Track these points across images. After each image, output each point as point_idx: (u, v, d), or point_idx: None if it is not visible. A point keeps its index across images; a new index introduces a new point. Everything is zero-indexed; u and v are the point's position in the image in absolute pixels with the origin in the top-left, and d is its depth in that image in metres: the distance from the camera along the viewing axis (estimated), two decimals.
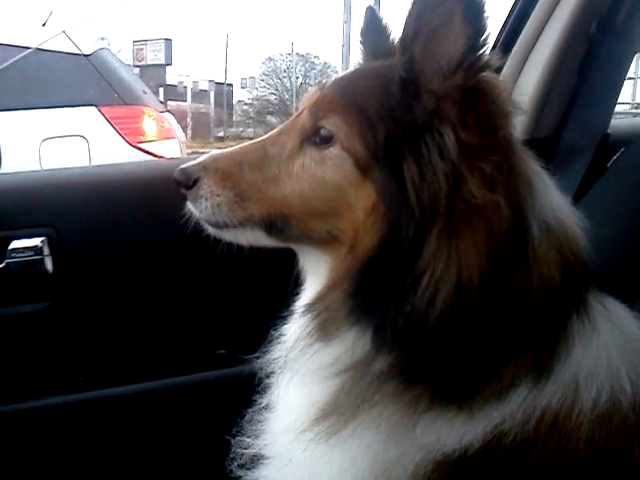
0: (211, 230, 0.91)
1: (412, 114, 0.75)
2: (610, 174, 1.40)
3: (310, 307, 0.81)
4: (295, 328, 0.84)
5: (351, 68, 0.91)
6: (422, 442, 0.72)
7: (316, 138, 0.82)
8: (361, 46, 0.98)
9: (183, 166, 0.88)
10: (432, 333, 0.71)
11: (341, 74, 0.90)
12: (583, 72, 1.48)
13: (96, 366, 1.35)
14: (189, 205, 0.89)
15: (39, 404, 1.31)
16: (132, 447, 1.34)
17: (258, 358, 1.44)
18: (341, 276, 0.79)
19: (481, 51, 0.72)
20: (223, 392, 1.36)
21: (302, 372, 0.80)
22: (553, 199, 0.80)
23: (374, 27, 0.97)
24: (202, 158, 0.88)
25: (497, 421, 0.70)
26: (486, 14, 0.71)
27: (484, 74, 0.73)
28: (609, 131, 1.52)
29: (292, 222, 0.83)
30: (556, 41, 1.46)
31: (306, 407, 0.79)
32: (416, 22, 0.74)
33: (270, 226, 0.85)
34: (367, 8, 0.99)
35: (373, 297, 0.75)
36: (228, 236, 0.90)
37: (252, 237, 0.88)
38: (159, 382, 1.35)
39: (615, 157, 1.43)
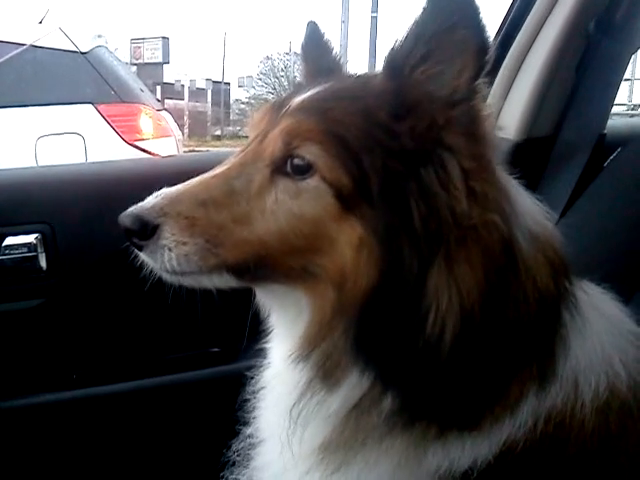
0: (168, 277, 0.80)
1: (401, 142, 0.71)
2: (606, 174, 1.40)
3: (306, 355, 0.75)
4: (282, 360, 0.80)
5: (316, 88, 0.81)
6: (434, 466, 0.70)
7: (288, 168, 0.74)
8: (302, 61, 0.94)
9: (135, 212, 0.78)
10: (441, 366, 0.68)
11: (305, 94, 0.80)
12: (581, 71, 1.47)
13: (89, 364, 1.35)
14: (144, 256, 0.79)
15: (32, 401, 1.30)
16: (126, 445, 1.34)
17: (252, 355, 1.44)
18: (332, 317, 0.73)
19: (481, 79, 0.70)
20: (217, 390, 1.35)
21: (306, 420, 0.75)
22: (528, 204, 0.78)
23: (316, 42, 0.93)
24: (157, 200, 0.78)
25: (508, 433, 0.70)
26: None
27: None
28: (606, 131, 1.51)
29: (267, 262, 0.76)
30: (554, 40, 1.46)
31: (307, 444, 0.75)
32: (418, 47, 0.71)
33: (242, 269, 0.76)
34: (309, 23, 0.94)
35: (379, 338, 0.71)
36: (189, 282, 0.81)
37: (219, 281, 0.80)
38: (153, 380, 1.35)
39: (612, 157, 1.43)
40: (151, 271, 0.80)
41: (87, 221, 1.33)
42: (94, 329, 1.35)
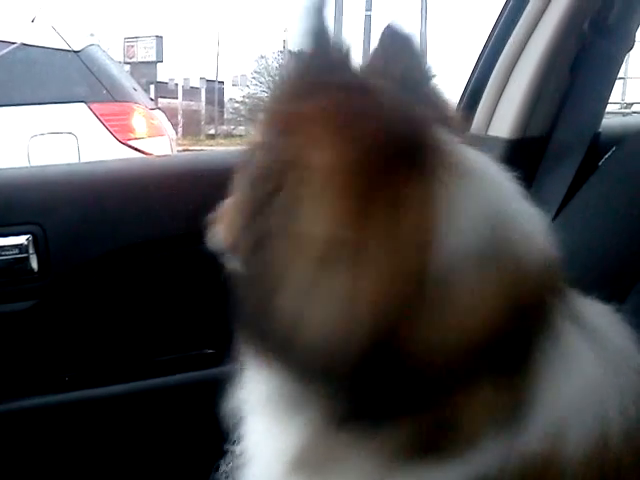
0: None
1: None
2: (601, 173, 1.39)
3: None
4: None
5: None
6: None
7: None
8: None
9: None
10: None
11: None
12: (575, 71, 1.47)
13: (82, 366, 1.34)
14: None
15: (23, 405, 1.29)
16: (119, 449, 1.33)
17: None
18: None
19: None
20: (212, 392, 1.34)
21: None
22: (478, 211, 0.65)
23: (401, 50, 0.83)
24: None
25: (475, 469, 0.62)
26: None
27: None
28: (600, 130, 1.51)
29: None
30: (548, 40, 1.45)
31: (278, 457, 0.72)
32: None
33: None
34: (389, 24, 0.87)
35: None
36: None
37: None
38: (146, 382, 1.34)
39: (606, 156, 1.43)
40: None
41: (79, 222, 1.32)
42: (87, 331, 1.34)
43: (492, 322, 0.60)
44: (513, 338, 0.61)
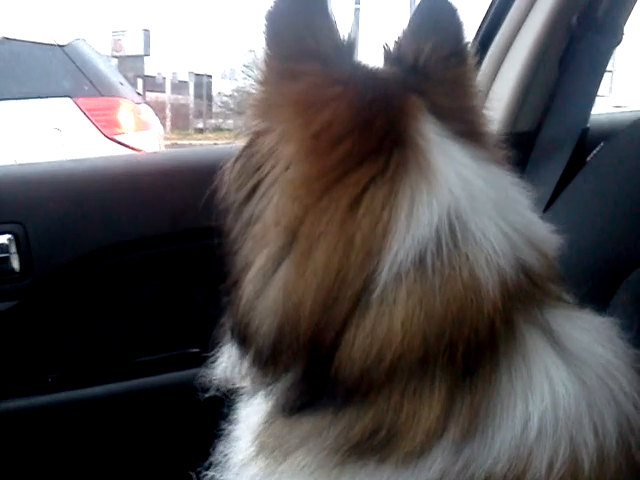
0: None
1: None
2: (589, 169, 1.39)
3: None
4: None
5: None
6: None
7: None
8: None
9: None
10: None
11: None
12: (564, 66, 1.46)
13: (65, 367, 1.31)
14: None
15: (6, 406, 1.26)
16: (102, 451, 1.31)
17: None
18: None
19: None
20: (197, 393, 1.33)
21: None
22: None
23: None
24: None
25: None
26: None
27: None
28: (588, 125, 1.50)
29: None
30: (536, 34, 1.44)
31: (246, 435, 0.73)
32: None
33: None
34: None
35: None
36: None
37: None
38: (130, 383, 1.32)
39: (594, 152, 1.42)
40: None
41: (61, 221, 1.29)
42: (69, 332, 1.32)
43: (433, 333, 0.59)
44: (461, 351, 0.59)
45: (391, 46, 0.75)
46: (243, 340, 0.67)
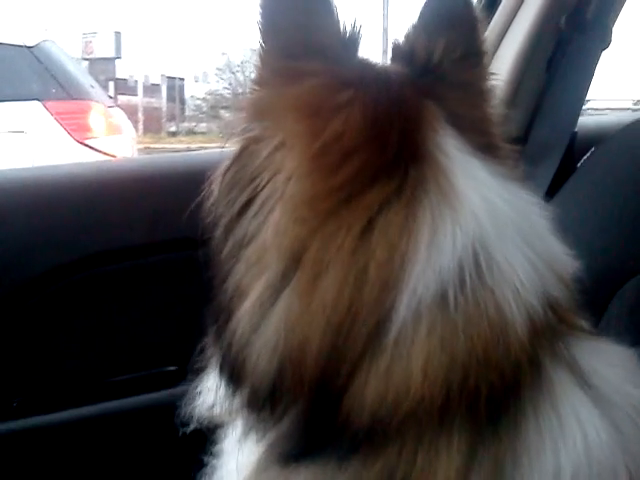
0: None
1: None
2: (580, 175, 1.35)
3: None
4: None
5: None
6: None
7: None
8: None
9: None
10: None
11: None
12: (552, 69, 1.42)
13: (32, 390, 1.22)
14: None
15: None
16: None
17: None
18: None
19: None
20: (175, 412, 1.25)
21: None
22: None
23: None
24: None
25: None
26: None
27: None
28: (576, 129, 1.47)
29: None
30: (524, 36, 1.40)
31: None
32: None
33: None
34: None
35: None
36: None
37: None
38: (102, 406, 1.23)
39: (586, 157, 1.38)
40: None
41: (29, 232, 1.21)
42: (36, 350, 1.23)
43: (456, 379, 0.52)
44: (484, 396, 0.52)
45: (400, 42, 0.67)
46: (235, 377, 0.59)
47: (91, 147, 3.96)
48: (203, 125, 22.25)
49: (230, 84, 24.23)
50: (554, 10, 1.38)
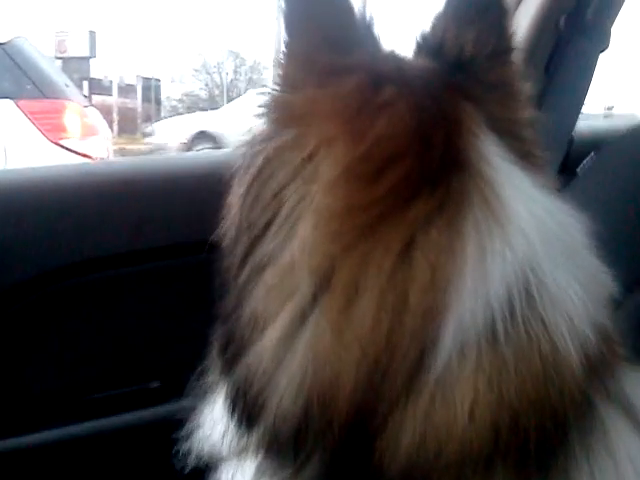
0: None
1: None
2: (580, 181, 1.30)
3: None
4: None
5: None
6: None
7: None
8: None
9: None
10: None
11: None
12: (551, 71, 1.38)
13: (3, 409, 1.14)
14: None
15: None
16: None
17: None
18: None
19: None
20: (160, 434, 1.18)
21: None
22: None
23: None
24: None
25: None
26: None
27: None
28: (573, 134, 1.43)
29: None
30: (523, 38, 1.35)
31: None
32: None
33: None
34: None
35: None
36: None
37: None
38: (80, 426, 1.15)
39: (584, 162, 1.35)
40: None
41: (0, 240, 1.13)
42: (6, 368, 1.14)
43: (505, 422, 0.45)
44: (534, 441, 0.46)
45: (426, 32, 0.61)
46: (251, 416, 0.52)
47: (66, 148, 3.85)
48: None
49: (206, 85, 24.13)
50: (553, 10, 1.34)
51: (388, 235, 0.48)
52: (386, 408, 0.47)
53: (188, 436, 0.67)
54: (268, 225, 0.52)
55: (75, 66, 15.38)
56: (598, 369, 0.50)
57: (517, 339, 0.47)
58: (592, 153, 1.35)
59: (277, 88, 0.57)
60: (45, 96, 4.01)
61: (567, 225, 0.54)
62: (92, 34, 16.69)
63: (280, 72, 0.57)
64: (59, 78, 4.49)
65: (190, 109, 22.75)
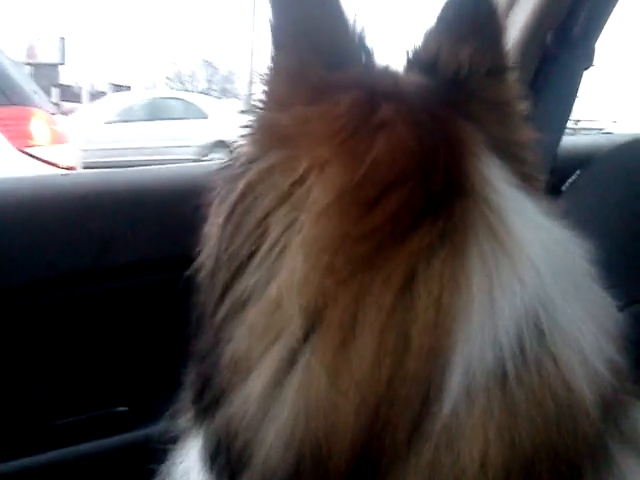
0: None
1: None
2: (568, 197, 1.28)
3: None
4: None
5: None
6: None
7: None
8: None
9: None
10: None
11: None
12: (537, 87, 1.35)
13: None
14: None
15: None
16: None
17: (170, 416, 1.19)
18: None
19: None
20: (127, 462, 1.10)
21: None
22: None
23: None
24: None
25: None
26: None
27: None
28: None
29: None
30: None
31: None
32: None
33: None
34: None
35: None
36: None
37: None
38: (38, 457, 1.07)
39: (571, 180, 1.32)
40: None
41: None
42: None
43: (516, 471, 0.41)
44: None
45: (418, 47, 0.57)
46: (234, 469, 0.46)
47: (32, 156, 3.73)
48: None
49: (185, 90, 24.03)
50: (541, 25, 1.31)
51: (387, 268, 0.43)
52: (387, 461, 0.42)
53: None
54: (251, 256, 0.47)
55: (45, 72, 15.14)
56: (612, 408, 0.46)
57: (528, 380, 0.43)
58: (578, 170, 1.33)
59: (262, 105, 0.52)
60: (11, 102, 3.90)
61: (573, 254, 0.50)
62: (62, 41, 16.47)
63: (265, 88, 0.52)
64: (26, 85, 4.37)
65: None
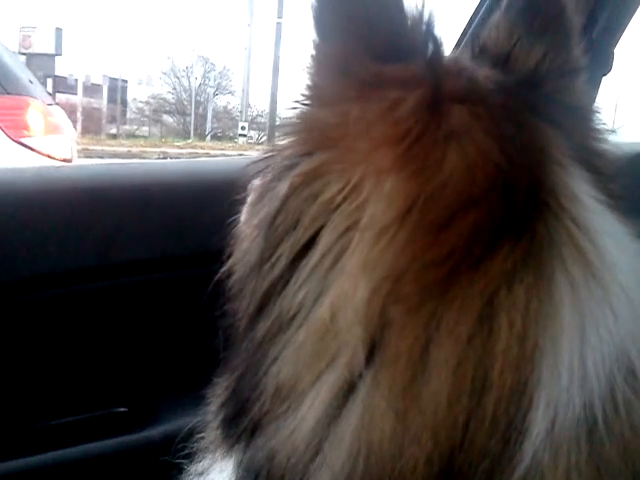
0: None
1: None
2: None
3: None
4: None
5: None
6: None
7: None
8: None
9: None
10: None
11: None
12: None
13: None
14: None
15: None
16: None
17: (173, 417, 1.15)
18: None
19: None
20: (126, 465, 1.06)
21: None
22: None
23: None
24: None
25: None
26: None
27: None
28: None
29: None
30: None
31: None
32: None
33: None
34: None
35: None
36: None
37: None
38: (33, 458, 1.03)
39: None
40: None
41: None
42: None
43: None
44: None
45: (489, 39, 0.52)
46: None
47: (28, 146, 3.67)
48: (145, 129, 21.81)
49: (174, 88, 23.89)
50: None
51: (463, 295, 0.38)
52: None
53: None
54: (294, 268, 0.43)
55: (40, 63, 15.02)
56: None
57: (620, 432, 0.38)
58: None
59: (305, 101, 0.47)
60: (7, 92, 3.84)
61: None
62: (59, 31, 16.34)
63: (308, 82, 0.46)
64: (23, 74, 4.31)
65: (156, 112, 22.48)
